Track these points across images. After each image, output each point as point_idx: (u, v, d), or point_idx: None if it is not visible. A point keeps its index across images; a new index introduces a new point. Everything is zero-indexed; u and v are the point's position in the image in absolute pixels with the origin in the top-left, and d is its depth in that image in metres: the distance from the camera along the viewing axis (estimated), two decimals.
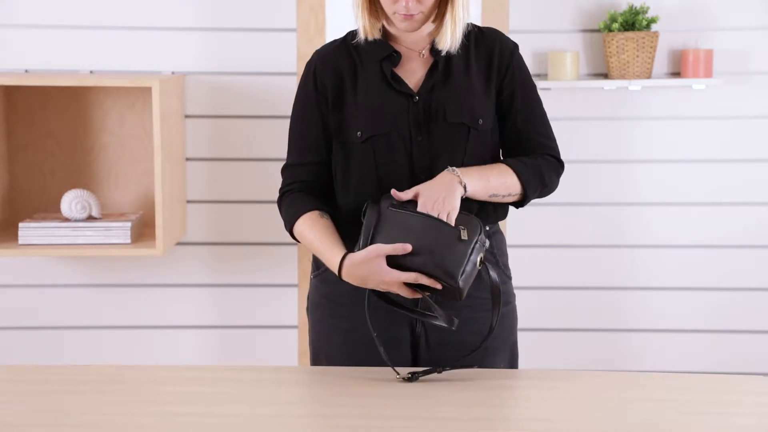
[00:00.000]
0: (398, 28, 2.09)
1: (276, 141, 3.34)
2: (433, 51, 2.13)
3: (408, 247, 1.96)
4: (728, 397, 1.89)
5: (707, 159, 3.45)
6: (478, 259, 1.98)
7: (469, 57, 2.13)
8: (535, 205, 2.22)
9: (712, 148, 3.44)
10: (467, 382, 1.95)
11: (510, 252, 2.28)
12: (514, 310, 2.22)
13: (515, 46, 2.18)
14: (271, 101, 3.34)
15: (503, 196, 2.11)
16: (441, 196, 2.00)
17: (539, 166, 2.14)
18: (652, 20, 3.30)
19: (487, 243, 2.01)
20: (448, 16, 2.08)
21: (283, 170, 2.21)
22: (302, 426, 1.77)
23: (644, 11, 3.30)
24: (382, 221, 2.01)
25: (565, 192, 3.44)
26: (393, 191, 2.03)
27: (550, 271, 3.49)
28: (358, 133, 2.10)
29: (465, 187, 2.03)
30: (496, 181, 2.08)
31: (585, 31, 3.40)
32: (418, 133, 2.09)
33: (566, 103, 3.40)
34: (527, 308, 3.02)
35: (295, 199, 2.16)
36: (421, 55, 2.14)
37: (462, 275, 1.95)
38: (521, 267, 3.17)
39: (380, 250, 1.97)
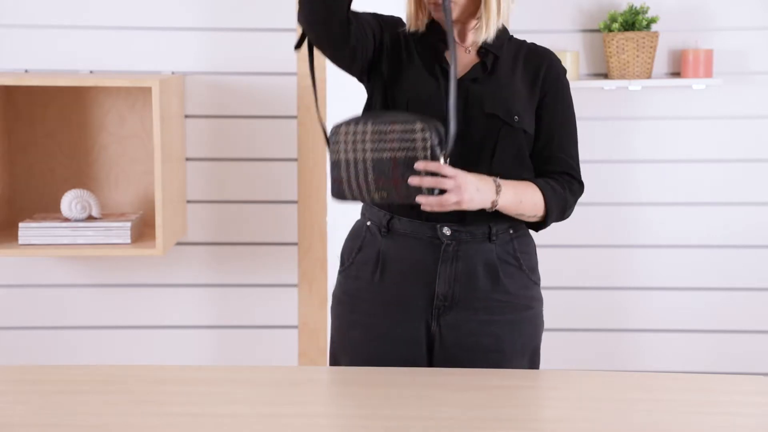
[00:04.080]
0: (434, 17, 2.13)
1: (276, 141, 3.34)
2: (480, 52, 2.14)
3: None
4: (728, 397, 1.89)
5: (707, 159, 3.45)
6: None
7: (516, 64, 2.15)
8: None
9: (712, 148, 3.44)
10: (468, 383, 1.95)
11: None
12: (539, 316, 2.20)
13: (564, 70, 2.19)
14: (271, 101, 3.34)
15: (527, 217, 2.12)
16: (471, 188, 1.98)
17: (566, 198, 2.14)
18: (652, 20, 3.30)
19: (370, 127, 1.99)
20: (482, 7, 2.09)
21: None
22: (302, 426, 1.77)
23: (644, 11, 3.30)
24: None
25: None
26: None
27: (550, 271, 3.47)
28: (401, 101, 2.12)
29: (494, 203, 2.03)
30: (528, 202, 2.09)
31: (585, 31, 3.40)
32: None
33: None
34: None
35: None
36: (468, 51, 2.15)
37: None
38: None
39: None
